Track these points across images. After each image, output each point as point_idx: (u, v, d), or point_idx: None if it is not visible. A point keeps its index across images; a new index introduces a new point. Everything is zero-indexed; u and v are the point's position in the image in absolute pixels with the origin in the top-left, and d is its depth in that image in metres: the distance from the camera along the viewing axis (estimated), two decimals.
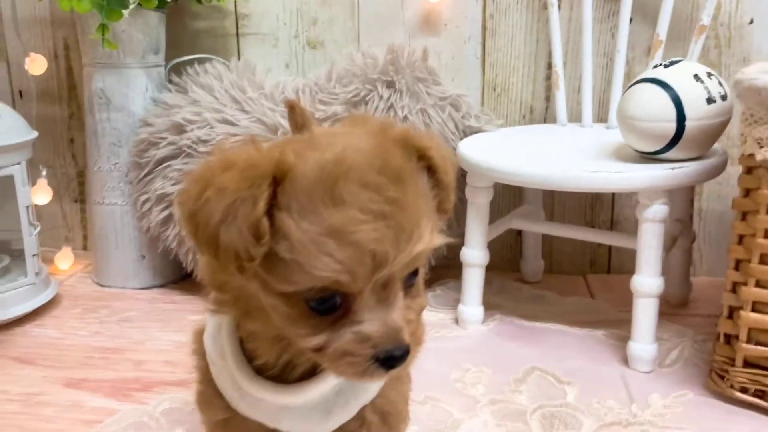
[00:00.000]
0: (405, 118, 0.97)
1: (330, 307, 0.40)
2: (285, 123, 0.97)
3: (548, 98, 1.11)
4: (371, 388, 0.50)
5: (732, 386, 0.75)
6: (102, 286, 1.12)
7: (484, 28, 1.10)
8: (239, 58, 1.14)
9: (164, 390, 0.79)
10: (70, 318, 1.00)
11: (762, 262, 0.72)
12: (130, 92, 1.05)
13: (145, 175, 1.02)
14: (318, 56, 1.15)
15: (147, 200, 1.03)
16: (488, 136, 0.99)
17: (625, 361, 0.85)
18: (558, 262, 1.16)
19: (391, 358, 0.39)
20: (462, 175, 0.92)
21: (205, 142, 0.98)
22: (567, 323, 0.95)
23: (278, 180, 0.38)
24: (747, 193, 0.74)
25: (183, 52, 1.12)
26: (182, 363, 0.86)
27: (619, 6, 1.00)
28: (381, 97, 0.98)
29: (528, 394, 0.78)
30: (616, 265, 1.15)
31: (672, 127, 0.79)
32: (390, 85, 0.98)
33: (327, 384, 0.47)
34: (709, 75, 0.80)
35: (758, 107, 0.70)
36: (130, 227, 1.08)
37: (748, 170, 0.73)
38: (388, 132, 0.43)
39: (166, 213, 1.01)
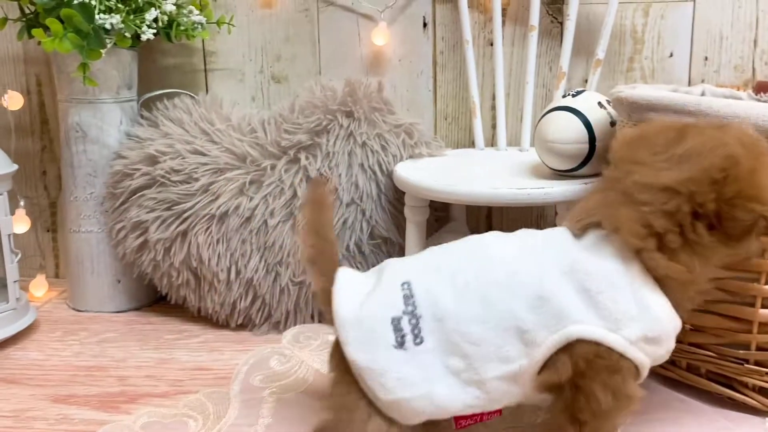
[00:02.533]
0: (364, 143, 1.06)
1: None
2: (252, 152, 1.06)
3: (494, 126, 1.21)
4: None
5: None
6: (78, 310, 1.17)
7: (435, 63, 1.20)
8: (207, 93, 1.22)
9: (149, 401, 0.85)
10: (51, 341, 1.05)
11: None
12: (105, 126, 1.12)
13: (120, 204, 1.09)
14: (282, 90, 1.23)
15: (122, 228, 1.09)
16: (426, 160, 1.08)
17: None
18: None
19: None
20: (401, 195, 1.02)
21: (177, 171, 1.05)
22: None
23: None
24: None
25: (153, 87, 1.20)
26: (164, 377, 0.92)
27: (559, 43, 1.12)
28: (341, 126, 1.07)
29: None
30: None
31: (585, 148, 0.91)
32: (349, 114, 1.08)
33: None
34: (608, 102, 0.93)
35: (623, 113, 0.83)
36: (105, 254, 1.14)
37: None
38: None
39: (141, 240, 1.07)
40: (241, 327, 1.08)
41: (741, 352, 0.79)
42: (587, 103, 0.92)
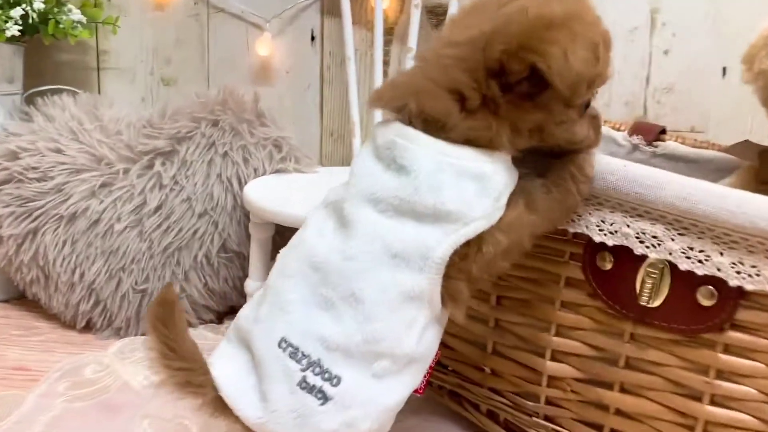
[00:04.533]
0: (225, 153, 1.05)
1: (587, 106, 0.60)
2: (110, 154, 1.05)
3: None
4: None
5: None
6: None
7: (322, 77, 1.18)
8: (99, 92, 1.22)
9: None
10: None
11: None
12: None
13: None
14: (172, 92, 1.23)
15: None
16: (292, 176, 1.06)
17: None
18: None
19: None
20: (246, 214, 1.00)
21: (34, 168, 1.05)
22: None
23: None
24: None
25: (46, 82, 1.20)
26: None
27: None
28: (203, 135, 1.05)
29: None
30: None
31: None
32: (215, 123, 1.06)
33: None
34: None
35: None
36: None
37: None
38: None
39: None
40: (86, 329, 1.07)
41: (530, 404, 0.76)
42: None
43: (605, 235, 0.63)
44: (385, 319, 0.55)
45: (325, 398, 0.54)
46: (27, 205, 1.04)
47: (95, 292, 1.03)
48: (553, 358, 0.72)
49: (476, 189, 0.56)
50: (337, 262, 0.57)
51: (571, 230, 0.66)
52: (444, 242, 0.55)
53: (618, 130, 0.98)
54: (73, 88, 1.18)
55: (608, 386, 0.68)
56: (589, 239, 0.65)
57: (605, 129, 0.95)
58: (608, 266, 0.65)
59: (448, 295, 0.57)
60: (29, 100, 1.18)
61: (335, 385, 0.54)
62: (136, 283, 1.03)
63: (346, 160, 1.20)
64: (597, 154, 0.64)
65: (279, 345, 0.56)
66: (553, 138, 0.59)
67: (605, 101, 1.11)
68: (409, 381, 0.58)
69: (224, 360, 0.59)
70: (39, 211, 1.04)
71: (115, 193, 1.03)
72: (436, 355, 0.62)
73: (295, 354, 0.55)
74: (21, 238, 1.05)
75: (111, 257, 1.03)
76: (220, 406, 0.57)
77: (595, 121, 0.63)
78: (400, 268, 0.55)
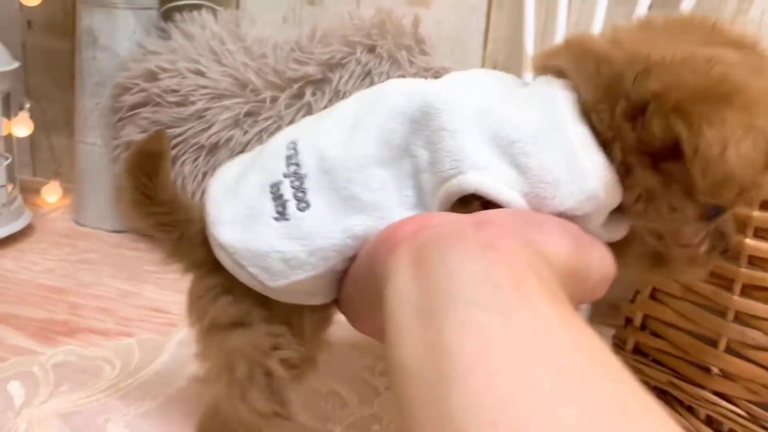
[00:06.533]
0: None
1: (718, 215, 0.46)
2: (255, 79, 0.94)
3: None
4: None
5: None
6: (79, 224, 1.13)
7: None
8: (237, 8, 1.10)
9: (85, 338, 0.78)
10: (33, 252, 1.01)
11: None
12: (116, 33, 1.03)
13: (118, 120, 1.01)
14: (317, 12, 1.09)
15: (118, 146, 1.01)
16: None
17: None
18: None
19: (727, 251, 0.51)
20: None
21: (174, 92, 0.95)
22: None
23: None
24: None
25: None
26: (117, 312, 0.85)
27: None
28: (359, 62, 0.92)
29: None
30: None
31: None
32: (371, 49, 0.93)
33: None
34: None
35: None
36: (106, 169, 1.08)
37: None
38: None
39: None
40: None
41: None
42: None
43: None
44: (391, 177, 0.47)
45: (282, 215, 0.47)
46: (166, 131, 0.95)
47: None
48: None
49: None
50: (401, 95, 0.49)
51: None
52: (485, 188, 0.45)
53: None
54: (212, 4, 1.07)
55: None
56: None
57: None
58: None
59: None
60: (166, 16, 1.08)
61: (300, 210, 0.47)
62: None
63: None
64: None
65: (288, 144, 0.50)
66: (657, 218, 0.46)
67: None
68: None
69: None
70: (178, 139, 0.95)
71: (261, 124, 0.92)
72: None
73: (292, 158, 0.49)
74: None
75: None
76: (179, 248, 0.54)
77: (718, 241, 0.49)
78: (426, 153, 0.47)
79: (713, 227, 0.48)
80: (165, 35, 1.03)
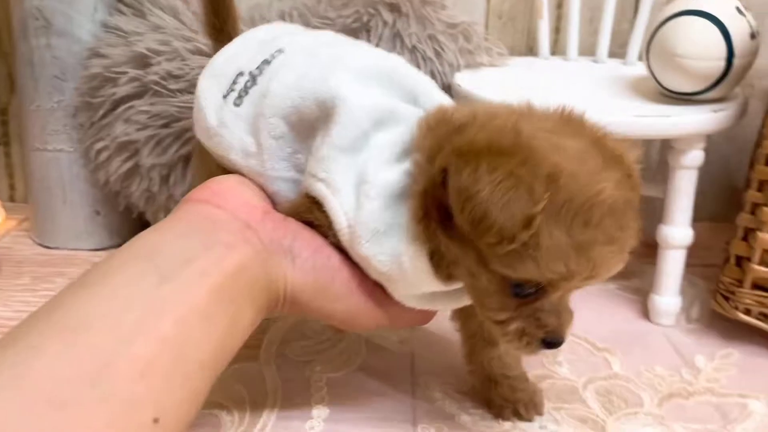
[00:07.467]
0: (414, 47, 0.84)
1: (528, 293, 0.45)
2: None
3: (558, 29, 1.00)
4: None
5: (737, 308, 0.73)
6: (46, 247, 0.95)
7: None
8: None
9: None
10: (18, 290, 0.83)
11: None
12: (74, 14, 0.86)
13: (101, 118, 0.85)
14: None
15: (104, 148, 0.85)
16: (485, 71, 0.87)
17: (646, 315, 0.80)
18: None
19: (551, 344, 0.46)
20: None
21: (177, 77, 0.81)
22: None
23: (549, 182, 0.41)
24: None
25: None
26: None
27: None
28: (385, 23, 0.84)
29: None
30: None
31: (721, 65, 0.71)
32: (394, 8, 0.84)
33: None
34: (745, 7, 0.73)
35: None
36: (80, 179, 0.91)
37: None
38: (619, 155, 0.45)
39: (130, 164, 0.84)
40: None
41: None
42: (723, 8, 0.71)
43: None
44: (293, 137, 0.53)
45: (224, 96, 0.56)
46: (173, 125, 0.82)
47: None
48: None
49: None
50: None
51: None
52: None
53: None
54: None
55: None
56: None
57: None
58: None
59: None
60: None
61: (236, 105, 0.55)
62: None
63: (516, 49, 1.00)
64: None
65: (275, 51, 0.56)
66: (464, 283, 0.48)
67: None
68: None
69: None
70: (190, 133, 0.81)
71: None
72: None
73: (266, 63, 0.56)
74: (168, 167, 0.83)
75: None
76: None
77: (533, 327, 0.46)
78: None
79: (531, 310, 0.45)
80: (136, 12, 0.87)
